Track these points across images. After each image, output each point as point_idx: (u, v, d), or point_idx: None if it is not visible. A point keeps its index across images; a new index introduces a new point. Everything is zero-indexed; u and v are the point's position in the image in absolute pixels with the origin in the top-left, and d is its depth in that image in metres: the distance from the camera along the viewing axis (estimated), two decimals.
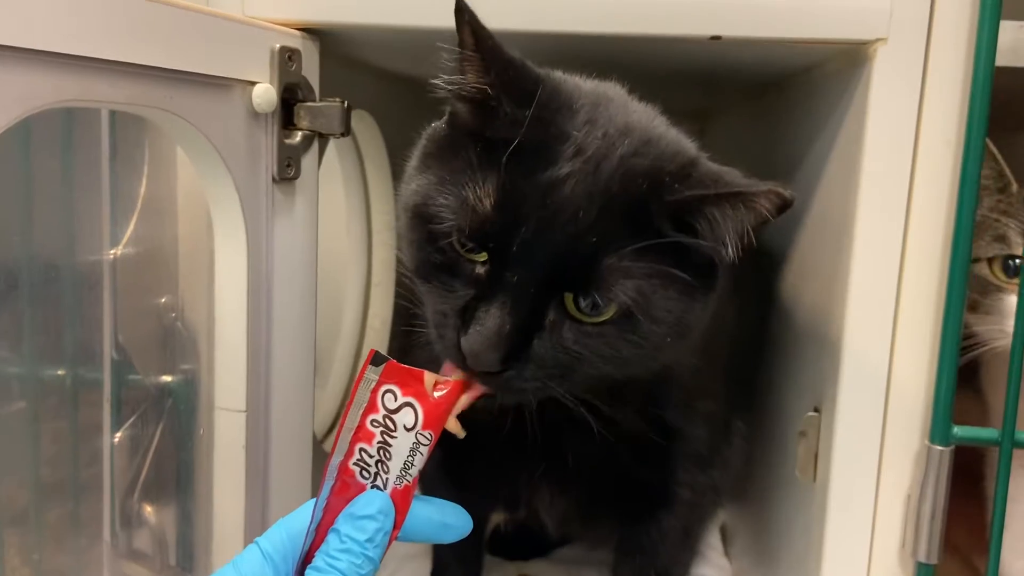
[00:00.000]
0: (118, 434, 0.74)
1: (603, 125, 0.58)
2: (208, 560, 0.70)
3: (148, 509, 0.74)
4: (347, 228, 1.14)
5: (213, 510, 0.68)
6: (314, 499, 0.52)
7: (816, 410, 0.74)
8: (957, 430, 0.65)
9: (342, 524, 0.51)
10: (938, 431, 0.65)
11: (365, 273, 1.16)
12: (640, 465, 0.75)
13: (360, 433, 0.51)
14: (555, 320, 0.55)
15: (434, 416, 0.52)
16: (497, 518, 1.01)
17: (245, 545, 0.67)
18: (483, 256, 0.55)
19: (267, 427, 0.69)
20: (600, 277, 0.54)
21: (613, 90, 0.65)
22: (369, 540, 0.50)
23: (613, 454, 0.73)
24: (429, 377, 0.53)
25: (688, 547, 0.88)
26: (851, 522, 0.69)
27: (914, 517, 0.67)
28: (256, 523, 0.69)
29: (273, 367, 0.69)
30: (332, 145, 1.06)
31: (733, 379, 0.84)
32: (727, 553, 1.10)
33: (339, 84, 0.73)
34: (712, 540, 1.09)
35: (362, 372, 0.52)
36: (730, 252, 0.55)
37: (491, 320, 0.54)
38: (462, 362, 0.55)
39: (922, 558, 0.67)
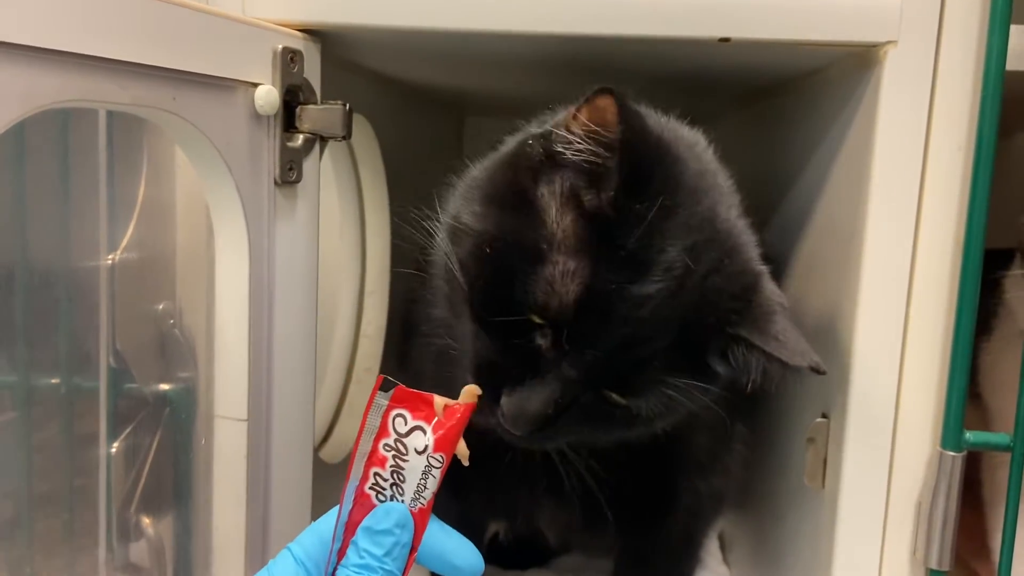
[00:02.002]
0: (115, 444, 0.72)
1: (695, 229, 0.56)
2: (207, 573, 0.68)
3: (146, 521, 0.72)
4: (340, 235, 1.13)
5: (213, 521, 0.67)
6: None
7: (824, 416, 0.73)
8: (969, 435, 0.64)
9: (360, 538, 0.51)
10: (950, 437, 0.64)
11: (359, 281, 1.15)
12: (642, 473, 0.75)
13: (373, 458, 0.52)
14: (586, 402, 0.57)
15: (445, 439, 0.52)
16: (495, 527, 0.99)
17: (246, 557, 0.66)
18: (549, 329, 0.55)
19: (268, 436, 0.68)
20: (639, 388, 0.56)
21: (706, 155, 0.65)
22: (387, 554, 0.50)
23: (616, 462, 0.72)
24: (439, 401, 0.53)
25: (690, 554, 0.88)
26: (861, 529, 0.69)
27: (926, 523, 0.66)
28: (257, 534, 0.67)
29: (275, 375, 0.68)
30: (326, 150, 1.05)
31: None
32: (726, 560, 1.10)
33: (335, 88, 0.72)
34: (711, 547, 1.08)
35: (372, 398, 0.52)
36: (745, 384, 0.58)
37: (536, 402, 0.55)
38: (494, 412, 0.56)
39: (934, 565, 0.66)
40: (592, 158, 0.55)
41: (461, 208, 0.61)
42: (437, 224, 0.65)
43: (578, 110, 0.55)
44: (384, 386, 0.52)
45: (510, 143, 0.66)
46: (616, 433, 0.60)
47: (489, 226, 0.58)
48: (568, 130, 0.56)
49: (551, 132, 0.58)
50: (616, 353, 0.54)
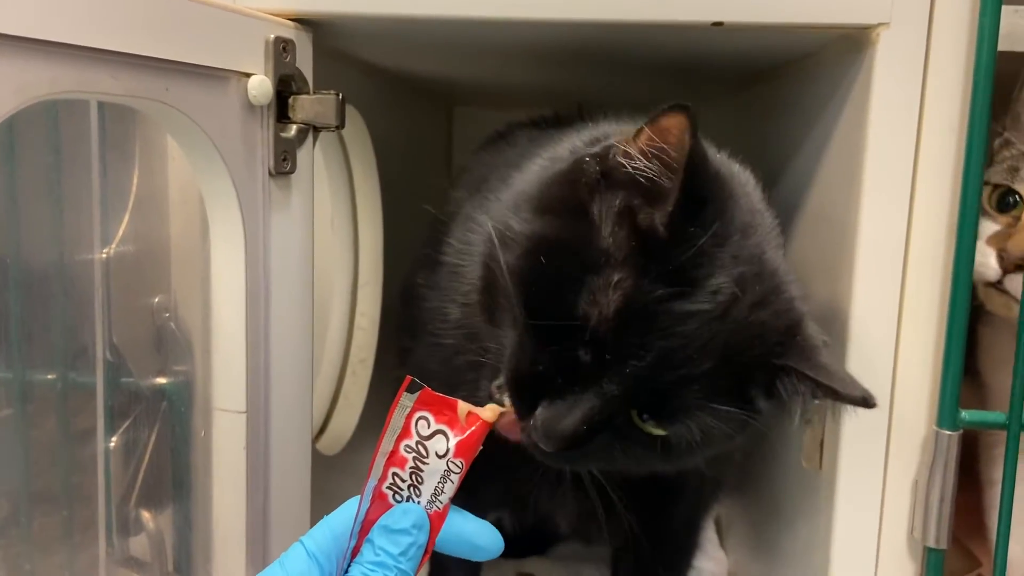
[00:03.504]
0: (113, 439, 0.72)
1: (744, 262, 0.56)
2: (207, 566, 0.68)
3: (146, 515, 0.72)
4: (333, 227, 1.13)
5: (213, 513, 0.66)
6: (357, 496, 0.52)
7: None
8: (965, 414, 0.65)
9: (377, 536, 0.51)
10: (946, 416, 0.65)
11: (352, 273, 1.15)
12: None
13: (394, 458, 0.52)
14: (620, 423, 0.56)
15: (466, 445, 0.53)
16: (495, 514, 1.00)
17: (248, 550, 0.66)
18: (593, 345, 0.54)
19: (267, 428, 0.68)
20: (677, 413, 0.55)
21: (755, 194, 0.65)
22: (402, 554, 0.50)
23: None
24: (463, 406, 0.53)
25: (692, 539, 0.89)
26: (860, 509, 0.69)
27: (923, 503, 0.67)
28: (258, 526, 0.67)
29: (272, 366, 0.67)
30: (317, 142, 1.05)
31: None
32: (723, 544, 1.11)
33: (326, 79, 0.71)
34: (708, 532, 1.09)
35: (397, 398, 0.52)
36: (793, 419, 0.58)
37: (575, 418, 0.54)
38: (526, 423, 0.56)
39: (931, 543, 0.67)
40: (652, 175, 0.55)
41: (508, 216, 0.61)
42: (474, 227, 0.65)
43: (646, 125, 0.55)
44: (411, 387, 0.53)
45: (558, 151, 0.67)
46: (649, 463, 0.58)
47: (546, 232, 0.57)
48: (632, 144, 0.55)
49: (611, 147, 0.57)
50: (657, 369, 0.53)
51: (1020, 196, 0.74)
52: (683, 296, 0.53)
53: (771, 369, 0.56)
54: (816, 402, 0.57)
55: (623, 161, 0.56)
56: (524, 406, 0.56)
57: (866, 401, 0.56)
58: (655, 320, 0.53)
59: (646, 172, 0.55)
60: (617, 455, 0.57)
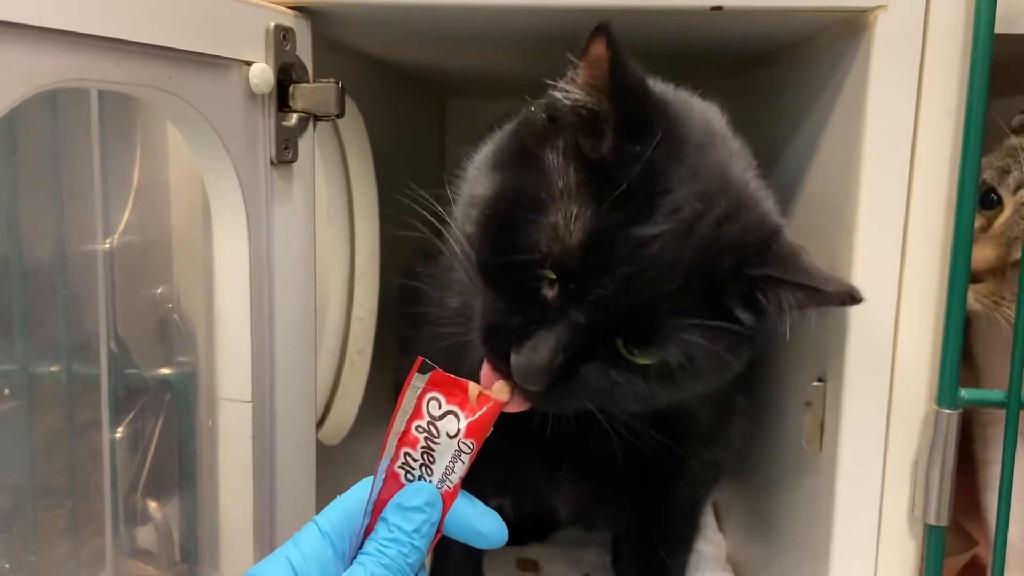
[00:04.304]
0: (119, 430, 0.72)
1: (704, 178, 0.56)
2: (214, 555, 0.69)
3: (152, 506, 0.72)
4: (328, 218, 1.13)
5: (219, 503, 0.67)
6: (371, 477, 0.53)
7: (821, 380, 0.74)
8: (964, 393, 0.66)
9: (390, 514, 0.52)
10: (946, 395, 0.66)
11: (348, 263, 1.15)
12: (653, 445, 0.76)
13: (405, 438, 0.53)
14: (604, 354, 0.56)
15: (476, 426, 0.53)
16: (496, 501, 1.00)
17: (255, 539, 0.67)
18: (553, 276, 0.55)
19: (272, 417, 0.68)
20: (657, 337, 0.55)
21: (716, 120, 0.65)
22: (416, 530, 0.51)
23: (630, 439, 0.73)
24: (473, 388, 0.54)
25: (692, 522, 0.90)
26: (861, 489, 0.70)
27: (923, 481, 0.68)
28: (264, 514, 0.67)
29: (277, 355, 0.68)
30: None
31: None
32: (721, 528, 1.11)
33: (323, 69, 0.71)
34: (706, 516, 1.09)
35: (409, 379, 0.53)
36: (784, 330, 0.57)
37: (545, 350, 0.54)
38: (509, 374, 0.55)
39: (932, 521, 0.67)
40: (592, 106, 0.56)
41: (473, 186, 0.61)
42: (449, 209, 0.65)
43: (579, 59, 0.56)
44: (422, 368, 0.53)
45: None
46: (648, 396, 0.58)
47: (502, 188, 0.58)
48: (571, 83, 0.56)
49: (553, 93, 0.58)
50: (623, 295, 0.53)
51: (1000, 198, 0.75)
52: (642, 219, 0.54)
53: (748, 281, 0.56)
54: (803, 310, 0.56)
55: (564, 100, 0.57)
56: (498, 357, 0.56)
57: (852, 297, 0.56)
58: (616, 245, 0.53)
59: (586, 104, 0.56)
60: (611, 390, 0.57)
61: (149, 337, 0.73)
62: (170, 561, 0.73)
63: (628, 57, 0.54)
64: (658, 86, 0.61)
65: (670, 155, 0.55)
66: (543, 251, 0.54)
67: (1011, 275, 0.73)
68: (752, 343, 0.60)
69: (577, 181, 0.55)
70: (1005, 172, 0.74)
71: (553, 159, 0.56)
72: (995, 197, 0.75)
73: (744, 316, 0.56)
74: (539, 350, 0.54)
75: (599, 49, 0.54)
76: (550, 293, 0.55)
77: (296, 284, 0.70)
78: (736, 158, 0.62)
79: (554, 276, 0.54)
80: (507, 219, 0.56)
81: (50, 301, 0.69)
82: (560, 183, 0.55)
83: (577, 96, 0.56)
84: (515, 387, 0.56)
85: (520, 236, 0.55)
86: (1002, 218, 0.74)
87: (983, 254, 0.73)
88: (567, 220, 0.54)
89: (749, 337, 0.58)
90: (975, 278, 0.72)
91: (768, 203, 0.61)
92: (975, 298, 0.73)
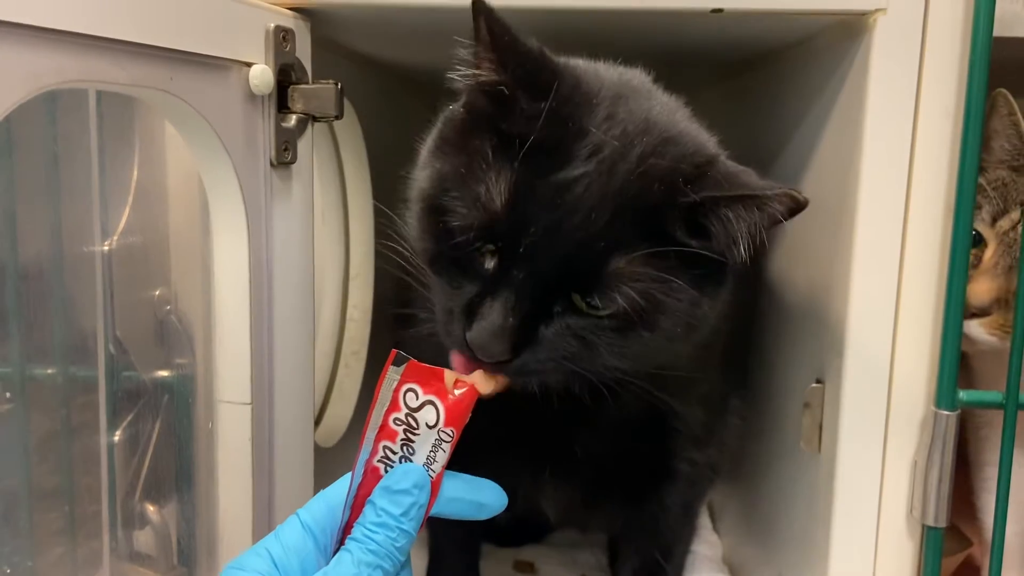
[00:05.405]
0: (116, 433, 0.71)
1: (623, 121, 0.57)
2: (212, 558, 0.68)
3: (150, 508, 0.72)
4: (323, 219, 1.12)
5: (218, 506, 0.66)
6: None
7: (819, 381, 0.74)
8: (963, 394, 0.66)
9: (378, 497, 0.51)
10: (944, 396, 0.66)
11: (343, 265, 1.15)
12: (642, 446, 0.76)
13: (384, 431, 0.53)
14: (562, 311, 0.56)
15: (455, 413, 0.53)
16: None
17: (254, 541, 0.66)
18: (492, 249, 0.55)
19: (271, 419, 0.68)
20: (605, 280, 0.54)
21: (637, 79, 0.65)
22: (404, 514, 0.51)
23: (617, 438, 0.73)
24: (449, 375, 0.54)
25: (688, 524, 0.89)
26: (859, 490, 0.70)
27: (922, 482, 0.68)
28: (263, 517, 0.67)
29: (276, 357, 0.67)
30: None
31: (728, 358, 0.85)
32: (715, 529, 1.12)
33: (320, 70, 0.71)
34: (702, 518, 1.10)
35: (384, 372, 0.53)
36: (741, 253, 0.56)
37: (494, 315, 0.54)
38: (471, 354, 0.55)
39: (931, 522, 0.68)
40: (491, 79, 0.57)
41: (410, 188, 0.63)
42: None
43: (475, 44, 0.57)
44: (397, 360, 0.53)
45: None
46: (621, 349, 0.57)
47: (425, 183, 0.59)
48: (475, 68, 0.58)
49: (458, 78, 0.60)
50: (554, 241, 0.53)
51: (981, 235, 0.75)
52: (560, 166, 0.54)
53: (689, 208, 0.55)
54: (752, 229, 0.55)
55: (471, 85, 0.59)
56: (456, 340, 0.56)
57: (794, 199, 0.54)
58: (535, 195, 0.54)
59: (489, 80, 0.57)
60: (583, 348, 0.56)
61: (147, 339, 0.72)
62: (168, 564, 0.72)
63: (509, 25, 0.56)
64: (562, 58, 0.62)
65: (577, 105, 0.56)
66: (472, 221, 0.55)
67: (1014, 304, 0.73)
68: (723, 278, 0.59)
69: (494, 152, 0.56)
70: (977, 208, 0.74)
71: (473, 143, 0.57)
72: (976, 234, 0.75)
73: (692, 242, 0.55)
74: (488, 317, 0.54)
75: (481, 25, 0.56)
76: (491, 264, 0.55)
77: (295, 286, 0.70)
78: (661, 106, 0.62)
79: (491, 246, 0.55)
80: (438, 205, 0.57)
81: (48, 303, 0.69)
82: (480, 160, 0.56)
83: (479, 75, 0.57)
84: (486, 366, 0.56)
85: (451, 217, 0.56)
86: (989, 252, 0.75)
87: (983, 288, 0.73)
88: (489, 188, 0.55)
89: (716, 270, 0.57)
90: (982, 312, 0.73)
91: (703, 138, 0.61)
92: (987, 331, 0.73)
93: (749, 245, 0.55)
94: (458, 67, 0.59)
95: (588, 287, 0.55)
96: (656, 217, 0.55)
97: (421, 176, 0.61)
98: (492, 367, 0.56)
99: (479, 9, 0.55)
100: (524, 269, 0.54)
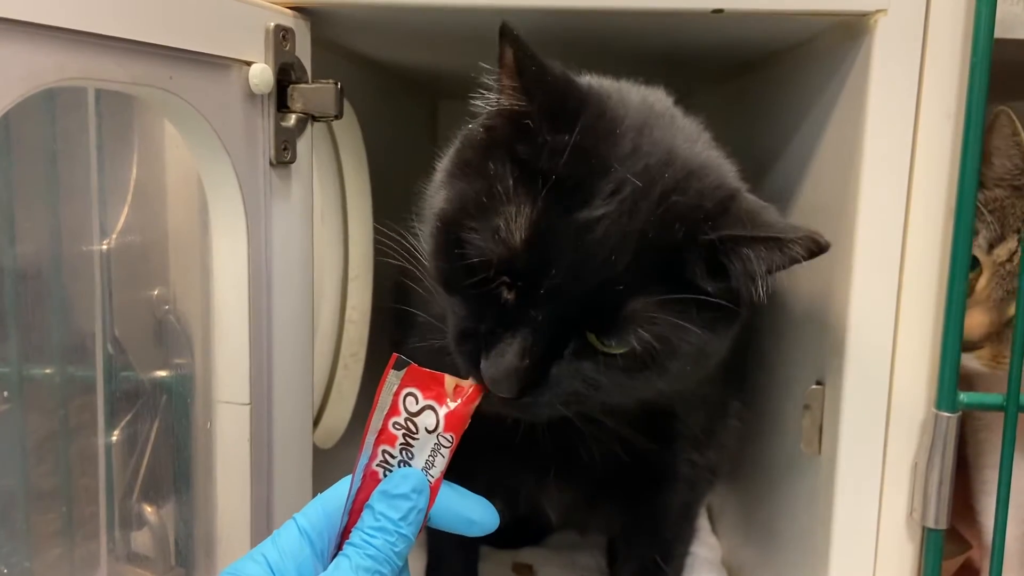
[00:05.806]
0: (114, 433, 0.71)
1: (645, 155, 0.56)
2: (209, 559, 0.68)
3: (148, 509, 0.72)
4: (322, 220, 1.12)
5: (216, 507, 0.66)
6: (350, 476, 0.52)
7: (819, 383, 0.74)
8: (963, 396, 0.66)
9: (376, 502, 0.51)
10: (945, 398, 0.66)
11: (342, 266, 1.14)
12: (642, 448, 0.75)
13: (383, 436, 0.52)
14: (575, 350, 0.56)
15: (455, 419, 0.53)
16: None
17: (252, 542, 0.66)
18: (509, 282, 0.55)
19: (270, 420, 0.67)
20: (622, 322, 0.54)
21: (660, 103, 0.65)
22: (403, 518, 0.50)
23: (618, 441, 0.73)
24: (450, 380, 0.54)
25: (687, 525, 0.89)
26: (860, 492, 0.70)
27: (922, 484, 0.68)
28: (261, 518, 0.67)
29: (275, 357, 0.67)
30: None
31: (727, 361, 0.85)
32: (714, 531, 1.11)
33: (319, 70, 0.71)
34: (701, 520, 1.09)
35: (384, 376, 0.52)
36: (759, 292, 0.56)
37: (511, 355, 0.54)
38: (482, 383, 0.55)
39: (931, 524, 0.68)
40: (513, 107, 0.56)
41: (429, 203, 0.62)
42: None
43: (498, 68, 0.57)
44: (397, 364, 0.53)
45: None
46: (631, 386, 0.57)
47: (443, 204, 0.59)
48: (498, 93, 0.58)
49: (479, 103, 0.59)
50: (574, 283, 0.53)
51: (976, 259, 0.74)
52: (582, 205, 0.54)
53: (708, 247, 0.55)
54: (772, 268, 0.55)
55: (493, 109, 0.58)
56: (470, 364, 0.56)
57: (815, 243, 0.54)
58: (557, 236, 0.53)
59: (510, 107, 0.57)
60: (587, 389, 0.57)
61: (146, 339, 0.72)
62: (166, 565, 0.72)
63: (535, 52, 0.55)
64: (587, 78, 0.62)
65: (601, 139, 0.56)
66: (491, 256, 0.54)
67: (1008, 335, 0.72)
68: (735, 319, 0.59)
69: (515, 183, 0.55)
70: (975, 233, 0.74)
71: (493, 167, 0.57)
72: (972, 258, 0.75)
73: (710, 285, 0.55)
74: (505, 355, 0.54)
75: (507, 52, 0.55)
76: (509, 296, 0.55)
77: (294, 286, 0.70)
78: (684, 134, 0.62)
79: (508, 279, 0.55)
80: (456, 230, 0.57)
81: (46, 302, 0.68)
82: (500, 188, 0.56)
83: (501, 101, 0.57)
84: (489, 392, 0.56)
85: (469, 246, 0.55)
86: (982, 281, 0.74)
87: (976, 320, 0.73)
88: (508, 222, 0.54)
89: (729, 313, 0.57)
90: (973, 346, 0.72)
91: (724, 170, 0.61)
92: (981, 363, 0.73)
93: (767, 285, 0.55)
94: (480, 92, 0.58)
95: (605, 328, 0.55)
96: (676, 259, 0.55)
97: (439, 196, 0.60)
98: (498, 401, 0.56)
99: (505, 35, 0.55)
100: (543, 311, 0.54)
